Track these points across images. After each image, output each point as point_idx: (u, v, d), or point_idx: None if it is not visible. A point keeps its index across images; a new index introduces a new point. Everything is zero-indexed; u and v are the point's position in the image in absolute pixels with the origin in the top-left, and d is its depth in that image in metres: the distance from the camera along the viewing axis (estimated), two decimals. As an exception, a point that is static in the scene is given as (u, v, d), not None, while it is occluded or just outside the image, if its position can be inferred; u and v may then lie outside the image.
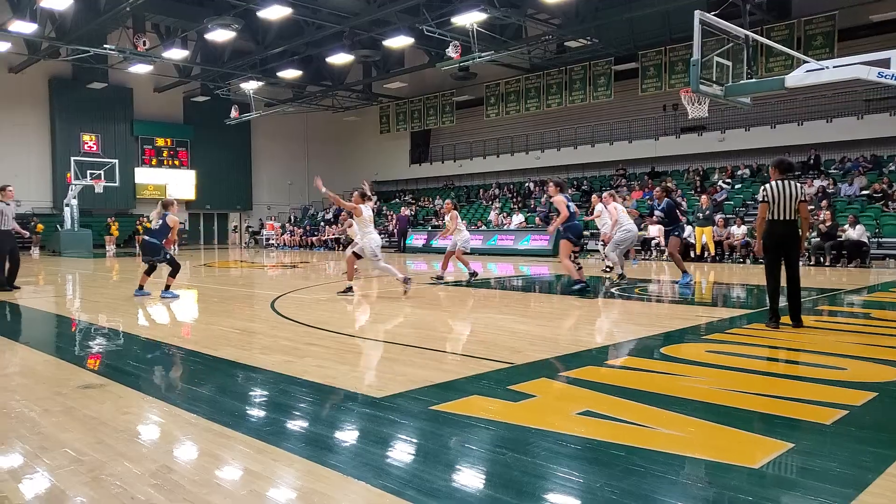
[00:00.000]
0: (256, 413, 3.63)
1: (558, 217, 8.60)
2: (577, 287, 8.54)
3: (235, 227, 34.10)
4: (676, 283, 10.04)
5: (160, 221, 9.00)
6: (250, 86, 27.34)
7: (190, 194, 33.49)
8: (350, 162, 36.95)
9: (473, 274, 10.91)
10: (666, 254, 11.59)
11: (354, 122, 35.55)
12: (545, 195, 23.84)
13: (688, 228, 16.11)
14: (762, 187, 5.87)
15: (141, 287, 9.40)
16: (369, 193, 8.95)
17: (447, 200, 12.64)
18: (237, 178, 34.64)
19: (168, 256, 9.08)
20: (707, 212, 15.93)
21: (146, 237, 9.07)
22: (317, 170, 37.54)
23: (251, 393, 4.08)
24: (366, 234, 8.80)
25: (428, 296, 9.08)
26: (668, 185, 10.95)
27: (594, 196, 11.93)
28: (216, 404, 3.73)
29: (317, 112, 34.06)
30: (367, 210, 8.65)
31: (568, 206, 8.39)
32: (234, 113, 29.17)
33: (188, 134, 33.19)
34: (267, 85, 28.65)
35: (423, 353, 5.16)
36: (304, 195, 37.52)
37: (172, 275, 9.35)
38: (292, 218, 34.08)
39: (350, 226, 12.11)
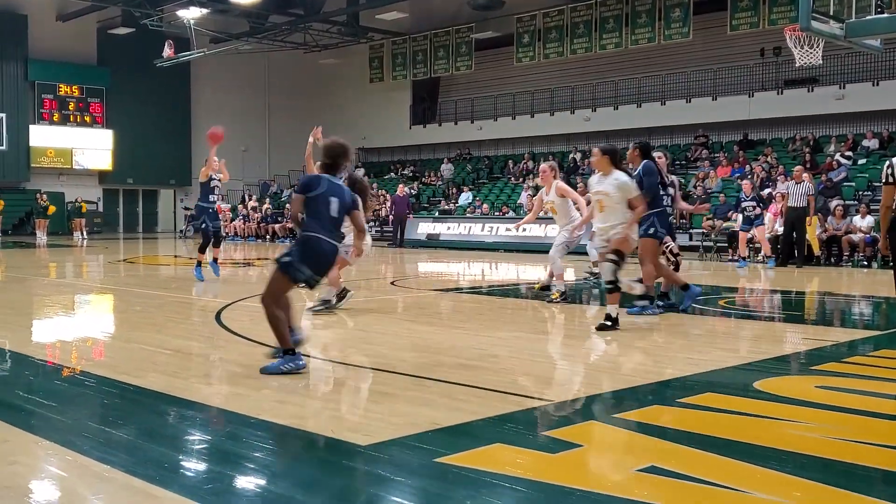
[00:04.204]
0: (194, 466, 3.62)
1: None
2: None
3: (186, 207, 34.02)
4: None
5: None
6: (191, 14, 27.42)
7: (105, 163, 33.68)
8: (327, 121, 36.65)
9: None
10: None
11: (334, 66, 35.61)
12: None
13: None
14: (887, 163, 5.87)
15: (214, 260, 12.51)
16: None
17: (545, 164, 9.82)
18: (171, 141, 34.82)
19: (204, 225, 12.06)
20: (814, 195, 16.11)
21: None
22: (281, 130, 37.73)
23: (187, 438, 4.07)
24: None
25: (431, 308, 9.09)
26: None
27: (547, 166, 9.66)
28: (138, 452, 3.72)
29: (282, 52, 34.10)
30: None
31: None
32: (167, 51, 29.26)
33: (104, 80, 33.37)
34: (214, 13, 28.71)
35: (426, 384, 5.14)
36: (264, 166, 37.61)
37: (216, 245, 12.31)
38: (247, 197, 34.20)
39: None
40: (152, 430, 4.10)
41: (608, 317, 7.17)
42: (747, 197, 16.57)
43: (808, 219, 15.90)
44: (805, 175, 16.07)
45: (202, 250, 11.99)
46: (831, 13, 8.89)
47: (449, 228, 24.38)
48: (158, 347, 6.33)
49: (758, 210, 16.48)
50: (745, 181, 17.84)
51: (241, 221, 29.70)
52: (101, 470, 3.43)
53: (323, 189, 5.34)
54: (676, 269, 8.84)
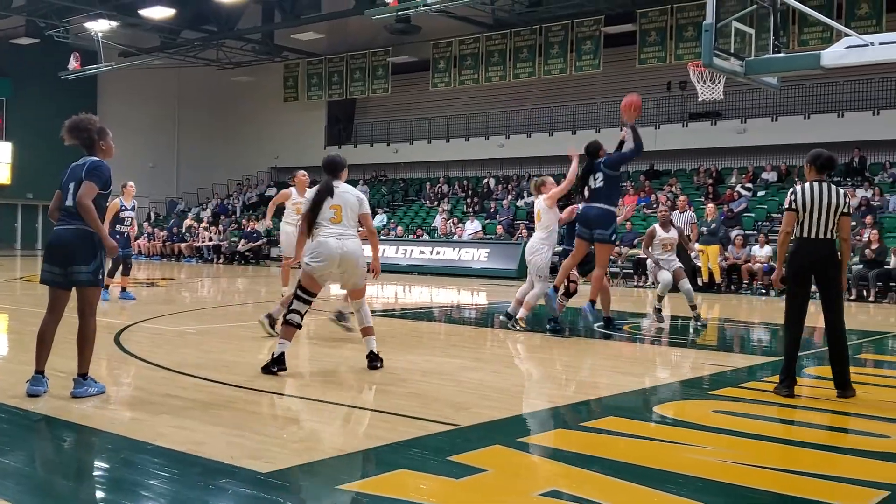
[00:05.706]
0: (85, 494, 3.52)
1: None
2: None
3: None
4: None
5: None
6: (99, 26, 26.66)
7: (2, 177, 32.23)
8: (240, 138, 36.43)
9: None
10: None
11: (248, 83, 35.15)
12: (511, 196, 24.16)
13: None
14: (791, 190, 5.97)
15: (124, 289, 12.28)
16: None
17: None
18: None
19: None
20: (712, 225, 16.55)
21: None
22: (191, 147, 36.95)
23: (78, 464, 3.96)
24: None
25: (341, 331, 9.03)
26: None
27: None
28: (26, 481, 3.61)
29: (195, 68, 33.49)
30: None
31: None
32: (73, 64, 28.32)
33: (4, 90, 32.07)
34: (124, 27, 28.00)
35: (331, 409, 5.10)
36: (172, 184, 36.69)
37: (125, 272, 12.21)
38: (153, 215, 33.25)
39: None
40: (42, 457, 3.96)
41: (273, 356, 6.11)
42: None
43: (690, 245, 16.35)
44: (706, 206, 16.51)
45: (111, 275, 11.84)
46: (732, 51, 9.33)
47: (363, 250, 24.27)
48: (52, 370, 6.07)
49: None
50: None
51: (145, 240, 28.93)
52: (-17, 500, 3.29)
53: (63, 179, 5.73)
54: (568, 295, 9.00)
